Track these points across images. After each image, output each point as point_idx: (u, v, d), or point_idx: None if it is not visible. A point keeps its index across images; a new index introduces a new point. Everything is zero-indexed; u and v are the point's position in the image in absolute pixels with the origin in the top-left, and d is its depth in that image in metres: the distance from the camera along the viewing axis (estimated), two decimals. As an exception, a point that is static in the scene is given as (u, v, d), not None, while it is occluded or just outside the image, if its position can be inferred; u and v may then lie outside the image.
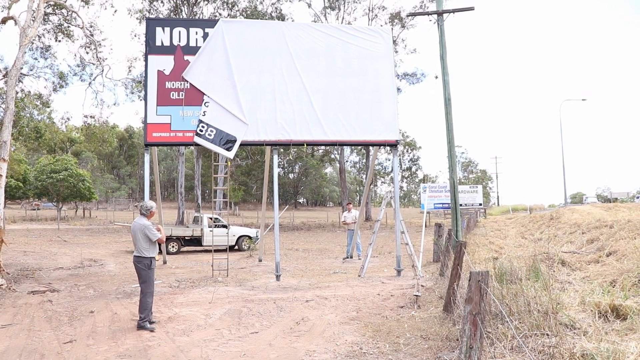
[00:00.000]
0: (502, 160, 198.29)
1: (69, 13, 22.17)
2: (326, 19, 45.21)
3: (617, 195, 68.33)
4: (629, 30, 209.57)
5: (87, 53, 24.17)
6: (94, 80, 26.97)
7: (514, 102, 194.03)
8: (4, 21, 16.00)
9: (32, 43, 25.73)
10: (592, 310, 6.47)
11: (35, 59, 27.14)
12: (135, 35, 38.91)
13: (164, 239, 8.27)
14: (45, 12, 21.56)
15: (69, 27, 24.00)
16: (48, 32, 25.23)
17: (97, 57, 22.45)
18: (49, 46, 26.64)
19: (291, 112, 11.98)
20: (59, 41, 25.30)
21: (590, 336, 5.49)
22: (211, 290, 10.48)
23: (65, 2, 20.64)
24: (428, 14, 15.42)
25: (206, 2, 39.54)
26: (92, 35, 22.91)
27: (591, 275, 8.97)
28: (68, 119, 44.27)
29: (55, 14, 23.54)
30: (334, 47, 12.46)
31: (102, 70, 24.11)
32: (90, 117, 31.17)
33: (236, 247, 21.23)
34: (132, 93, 35.37)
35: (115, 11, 32.03)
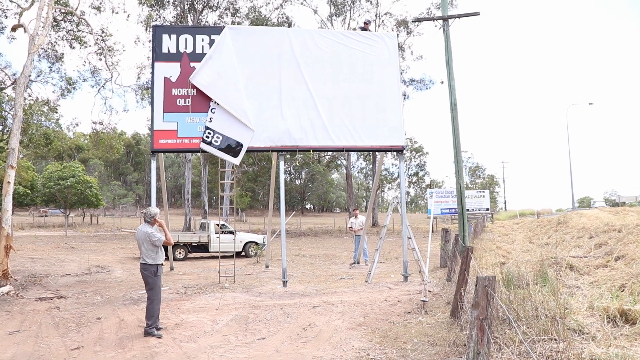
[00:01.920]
0: (509, 165, 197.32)
1: (79, 20, 22.32)
2: (332, 26, 45.35)
3: (625, 199, 67.88)
4: (636, 34, 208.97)
5: (101, 60, 24.30)
6: (103, 87, 27.11)
7: (520, 106, 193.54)
8: (14, 29, 16.16)
9: (46, 51, 25.92)
10: (600, 315, 6.43)
11: (50, 68, 27.28)
12: (141, 43, 39.13)
13: (171, 240, 8.05)
14: (55, 19, 21.74)
15: (78, 32, 24.13)
16: (62, 39, 25.38)
17: (106, 63, 22.58)
18: (63, 54, 26.80)
19: (297, 118, 12.00)
20: (73, 48, 25.45)
21: (599, 341, 5.46)
22: (218, 296, 10.48)
23: (76, 9, 20.79)
24: (434, 19, 15.46)
25: (211, 10, 39.72)
26: (103, 40, 23.03)
27: (599, 280, 8.91)
28: (77, 124, 44.59)
29: (66, 21, 23.70)
30: (339, 53, 12.49)
31: (112, 77, 24.25)
32: (99, 123, 31.34)
33: (243, 253, 21.24)
34: (142, 99, 35.53)
35: (129, 16, 32.24)
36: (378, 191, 63.28)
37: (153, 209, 8.00)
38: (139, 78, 33.16)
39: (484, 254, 14.35)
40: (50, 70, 27.72)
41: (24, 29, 14.62)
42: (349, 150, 12.92)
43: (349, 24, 45.11)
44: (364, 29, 13.93)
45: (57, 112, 28.75)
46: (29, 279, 13.35)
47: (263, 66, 12.12)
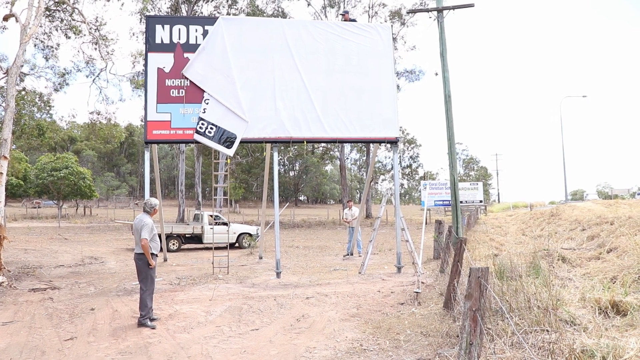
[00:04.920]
0: (502, 157, 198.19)
1: (72, 9, 22.09)
2: (326, 17, 45.15)
3: (617, 191, 68.25)
4: (630, 27, 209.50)
5: (95, 49, 24.06)
6: (98, 76, 26.90)
7: (514, 98, 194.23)
8: (5, 19, 15.99)
9: (42, 42, 25.67)
10: (592, 307, 6.48)
11: (46, 59, 26.97)
12: (135, 36, 38.85)
13: (146, 247, 7.53)
14: (49, 8, 21.53)
15: (73, 21, 23.87)
16: (56, 29, 25.12)
17: (100, 52, 22.39)
18: (58, 44, 26.55)
19: (291, 110, 11.98)
20: (69, 37, 25.19)
21: (590, 332, 5.50)
22: (212, 287, 10.49)
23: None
24: (428, 10, 15.40)
25: (206, 1, 39.47)
26: (97, 30, 22.82)
27: (591, 272, 8.97)
28: (74, 116, 44.50)
29: (59, 10, 23.46)
30: (333, 44, 12.45)
31: (106, 66, 24.06)
32: (96, 113, 31.14)
33: (237, 244, 21.25)
34: (137, 88, 35.29)
35: (123, 4, 31.81)
36: (372, 183, 63.34)
37: (153, 200, 8.06)
38: (133, 67, 32.98)
39: (477, 245, 14.41)
40: (47, 61, 27.48)
41: (16, 18, 14.48)
42: (342, 141, 12.91)
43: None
44: (344, 20, 13.77)
45: (49, 106, 28.54)
46: (22, 270, 13.31)
47: (257, 57, 12.07)
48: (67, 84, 28.73)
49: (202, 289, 10.33)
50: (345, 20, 13.47)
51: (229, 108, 11.62)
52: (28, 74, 25.50)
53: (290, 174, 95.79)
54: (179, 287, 10.69)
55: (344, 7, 45.11)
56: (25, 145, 38.56)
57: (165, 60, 11.62)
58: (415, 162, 78.65)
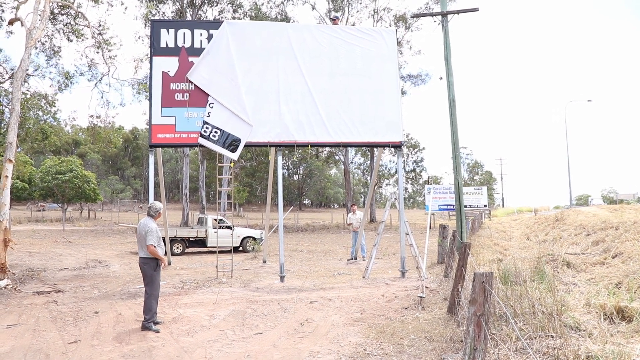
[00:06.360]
0: (507, 161, 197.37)
1: (76, 13, 22.17)
2: (330, 21, 45.18)
3: (622, 196, 67.84)
4: (635, 31, 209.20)
5: (98, 53, 24.12)
6: (100, 81, 26.95)
7: (519, 103, 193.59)
8: (11, 22, 16.08)
9: (43, 44, 25.76)
10: (597, 312, 6.45)
11: (48, 61, 27.07)
12: (141, 39, 39.06)
13: (155, 252, 7.60)
14: (52, 12, 21.63)
15: (76, 25, 23.95)
16: (59, 32, 25.20)
17: (103, 57, 22.44)
18: (60, 47, 26.64)
19: (295, 113, 11.99)
20: (71, 41, 25.29)
21: (596, 338, 5.47)
22: (215, 291, 10.48)
23: (73, 3, 20.68)
24: (432, 15, 15.38)
25: (210, 6, 39.61)
26: (100, 34, 22.89)
27: (596, 277, 8.94)
28: (74, 119, 44.53)
29: (63, 14, 23.54)
30: (338, 48, 12.47)
31: (109, 71, 24.11)
32: (97, 117, 31.27)
33: (240, 248, 21.24)
34: (139, 93, 35.42)
35: (126, 8, 31.86)
36: (376, 187, 63.27)
37: (157, 204, 8.08)
38: (136, 72, 33.08)
39: (482, 250, 14.37)
40: (48, 64, 27.60)
41: (21, 22, 14.54)
42: (347, 145, 12.91)
43: (347, 19, 44.98)
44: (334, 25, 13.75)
45: (54, 106, 28.60)
46: (27, 273, 13.34)
47: (261, 61, 12.09)
48: (71, 83, 28.80)
49: (206, 293, 10.33)
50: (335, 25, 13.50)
51: (234, 112, 11.64)
52: (33, 75, 25.59)
53: (295, 178, 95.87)
54: (183, 291, 10.69)
55: (349, 12, 45.18)
56: (30, 149, 38.69)
57: (170, 64, 11.65)
58: (419, 166, 78.48)
